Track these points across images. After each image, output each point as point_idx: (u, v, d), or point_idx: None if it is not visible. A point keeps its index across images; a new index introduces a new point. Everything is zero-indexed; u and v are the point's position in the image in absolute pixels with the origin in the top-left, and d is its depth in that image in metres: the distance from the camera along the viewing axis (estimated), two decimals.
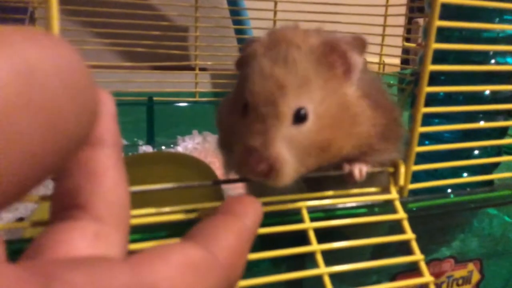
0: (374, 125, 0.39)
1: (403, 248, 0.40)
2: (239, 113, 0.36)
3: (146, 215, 0.33)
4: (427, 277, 0.37)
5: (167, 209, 0.34)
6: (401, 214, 0.39)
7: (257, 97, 0.34)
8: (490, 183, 0.56)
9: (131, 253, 0.32)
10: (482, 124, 0.57)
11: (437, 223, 0.51)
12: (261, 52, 0.37)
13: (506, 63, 0.60)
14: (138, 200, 0.36)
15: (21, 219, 0.65)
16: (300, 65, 0.35)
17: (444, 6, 0.38)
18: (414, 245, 0.38)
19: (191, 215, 0.35)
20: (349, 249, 0.38)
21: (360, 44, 0.39)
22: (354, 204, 0.40)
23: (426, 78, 0.39)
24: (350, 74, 0.38)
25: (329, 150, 0.37)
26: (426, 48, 0.38)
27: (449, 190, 0.50)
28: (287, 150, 0.34)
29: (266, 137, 0.34)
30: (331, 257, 0.38)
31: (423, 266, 0.38)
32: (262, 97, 0.34)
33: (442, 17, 0.42)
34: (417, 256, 0.38)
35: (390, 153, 0.41)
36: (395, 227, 0.41)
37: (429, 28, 0.38)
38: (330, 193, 0.39)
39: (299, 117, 0.35)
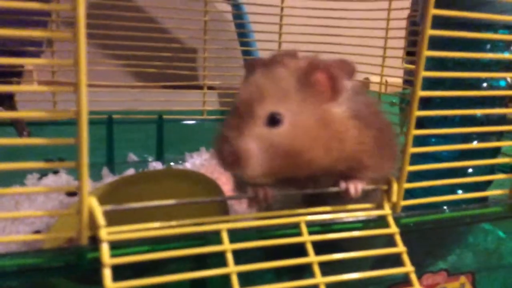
0: (360, 143, 0.42)
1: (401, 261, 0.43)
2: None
3: (157, 228, 0.36)
4: None
5: (173, 223, 0.37)
6: (393, 229, 0.42)
7: (240, 98, 0.41)
8: (484, 199, 0.59)
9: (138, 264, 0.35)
10: (475, 144, 0.60)
11: (434, 238, 0.53)
12: (258, 69, 0.43)
13: (498, 86, 0.63)
14: (148, 214, 0.39)
15: (37, 232, 0.68)
16: (283, 80, 0.41)
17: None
18: (405, 258, 0.41)
19: (197, 229, 0.38)
20: (350, 261, 0.41)
21: (348, 68, 0.43)
22: (350, 219, 0.43)
23: (416, 103, 0.42)
24: (336, 95, 0.42)
25: (300, 158, 0.40)
26: (416, 75, 0.41)
27: (444, 207, 0.52)
28: (257, 146, 0.39)
29: (239, 131, 0.39)
30: (331, 269, 0.41)
31: (413, 277, 0.41)
32: (244, 99, 0.41)
33: (435, 42, 0.45)
34: (408, 268, 0.41)
35: (383, 170, 0.44)
36: (391, 242, 0.44)
37: (418, 56, 0.41)
38: (327, 208, 0.42)
39: (273, 120, 0.40)
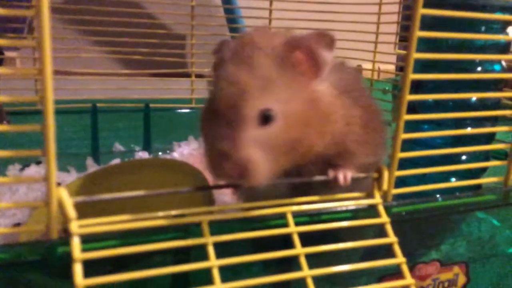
0: (348, 124, 0.40)
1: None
2: (211, 118, 0.37)
3: (132, 221, 0.34)
4: (409, 280, 0.38)
5: (150, 214, 0.35)
6: (384, 218, 0.41)
7: (222, 102, 0.36)
8: (478, 187, 0.57)
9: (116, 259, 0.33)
10: (469, 130, 0.58)
11: (426, 227, 0.52)
12: (228, 57, 0.38)
13: (493, 70, 0.61)
14: (131, 206, 0.37)
15: (18, 225, 0.66)
16: (262, 67, 0.36)
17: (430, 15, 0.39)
18: (397, 248, 0.40)
19: (177, 221, 0.36)
20: (339, 253, 0.40)
21: (328, 40, 0.39)
22: (339, 209, 0.41)
23: (408, 87, 0.40)
24: (319, 71, 0.38)
25: (300, 148, 0.38)
26: (408, 57, 0.39)
27: (438, 195, 0.51)
28: (257, 151, 0.35)
29: (234, 140, 0.35)
30: (320, 261, 0.39)
31: (404, 268, 0.39)
32: (226, 102, 0.35)
33: (429, 25, 0.43)
34: (399, 259, 0.39)
35: (372, 156, 0.42)
36: (383, 231, 0.42)
37: (410, 37, 0.39)
38: (315, 198, 0.40)
39: (265, 118, 0.36)
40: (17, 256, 0.33)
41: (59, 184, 0.71)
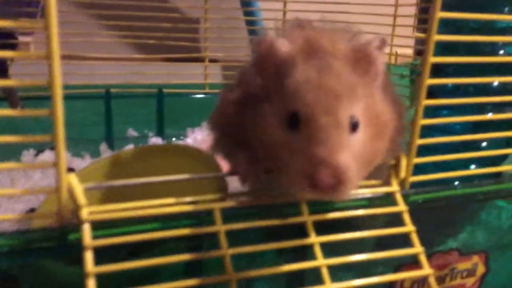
0: (394, 127, 0.39)
1: (409, 240, 0.40)
2: (279, 124, 0.35)
3: (143, 208, 0.33)
4: (427, 270, 0.37)
5: (161, 201, 0.34)
6: (401, 207, 0.39)
7: (314, 108, 0.33)
8: (498, 175, 0.56)
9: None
10: (489, 116, 0.56)
11: (444, 215, 0.51)
12: (301, 60, 0.35)
13: None
14: (144, 192, 0.37)
15: (32, 210, 0.66)
16: (344, 74, 0.34)
17: None
18: (414, 238, 0.39)
19: (194, 207, 0.35)
20: (351, 242, 0.39)
21: (381, 45, 0.37)
22: (354, 197, 0.40)
23: (427, 70, 0.38)
24: (377, 77, 0.37)
25: (375, 158, 0.36)
26: (428, 40, 0.38)
27: (456, 183, 0.50)
28: (352, 161, 0.33)
29: (333, 148, 0.32)
30: (333, 249, 0.38)
31: (422, 258, 0.38)
32: (320, 107, 0.33)
33: (450, 6, 0.41)
34: (417, 248, 0.38)
35: (395, 145, 0.41)
36: (396, 220, 0.41)
37: (431, 19, 0.37)
38: None
39: (353, 126, 0.34)
40: (29, 242, 0.33)
41: (72, 170, 0.72)
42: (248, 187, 0.42)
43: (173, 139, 0.90)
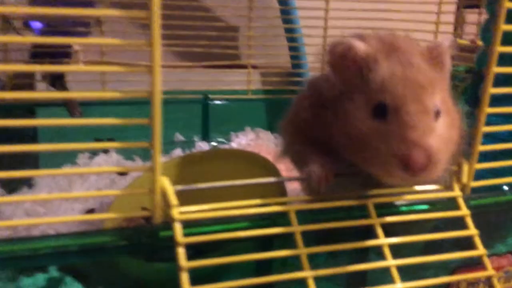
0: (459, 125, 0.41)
1: (459, 244, 0.42)
2: (366, 115, 0.38)
3: (226, 209, 0.36)
4: (490, 271, 0.39)
5: (242, 203, 0.37)
6: (464, 211, 0.41)
7: (402, 97, 0.37)
8: None
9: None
10: None
11: (493, 219, 0.52)
12: (383, 57, 0.39)
13: None
14: (208, 195, 0.39)
15: (91, 211, 0.69)
16: (423, 69, 0.38)
17: None
18: (477, 241, 0.40)
19: (264, 210, 0.37)
20: (403, 245, 0.40)
21: (453, 46, 0.42)
22: (417, 201, 0.42)
23: (490, 79, 0.40)
24: (447, 75, 0.41)
25: (452, 147, 0.39)
26: (492, 51, 0.39)
27: (505, 187, 0.51)
28: (440, 143, 0.37)
29: (423, 131, 0.35)
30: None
31: (486, 260, 0.39)
32: (409, 97, 0.36)
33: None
34: (480, 250, 0.40)
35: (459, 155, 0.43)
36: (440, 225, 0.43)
37: (495, 31, 0.39)
38: (393, 190, 0.41)
39: (436, 113, 0.38)
40: (115, 240, 0.36)
41: (124, 173, 0.75)
42: (313, 191, 0.44)
43: (218, 143, 0.93)
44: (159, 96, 0.31)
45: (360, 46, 0.39)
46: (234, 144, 0.91)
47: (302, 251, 0.36)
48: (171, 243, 0.33)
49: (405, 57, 0.38)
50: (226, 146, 0.91)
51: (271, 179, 0.41)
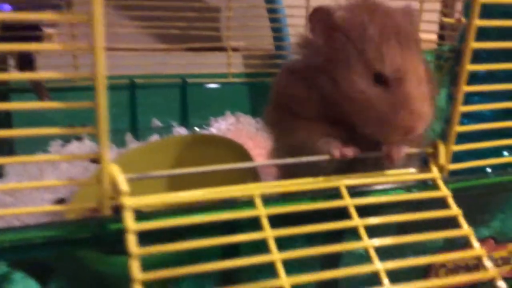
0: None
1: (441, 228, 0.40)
2: (365, 83, 0.40)
3: (183, 197, 0.33)
4: (479, 250, 0.37)
5: (200, 191, 0.34)
6: (445, 192, 0.39)
7: (400, 67, 0.39)
8: None
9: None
10: None
11: (475, 202, 0.50)
12: (368, 21, 0.40)
13: None
14: (175, 181, 0.37)
15: (62, 200, 0.67)
16: (411, 33, 0.41)
17: None
18: (462, 220, 0.38)
19: (228, 194, 0.35)
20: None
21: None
22: (392, 185, 0.40)
23: (468, 56, 0.38)
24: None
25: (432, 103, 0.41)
26: (469, 25, 0.37)
27: (488, 170, 0.49)
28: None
29: (424, 103, 0.39)
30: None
31: (473, 240, 0.37)
32: (405, 67, 0.39)
33: None
34: (466, 230, 0.38)
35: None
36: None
37: (473, 3, 0.36)
38: (368, 174, 0.39)
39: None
40: (70, 233, 0.33)
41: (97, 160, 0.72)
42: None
43: (197, 129, 0.90)
44: (103, 78, 0.29)
45: (337, 11, 0.40)
46: (213, 129, 0.88)
47: (268, 233, 0.33)
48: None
49: (389, 22, 0.39)
50: (205, 132, 0.88)
51: (250, 164, 0.39)
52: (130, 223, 0.31)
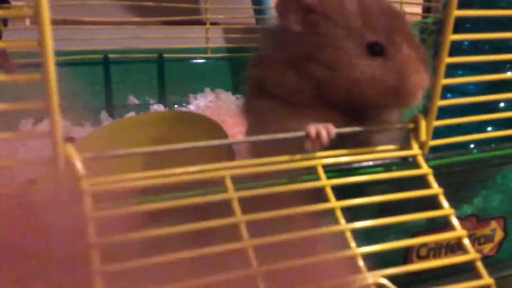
0: None
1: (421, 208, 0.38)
2: (360, 55, 0.38)
3: (147, 178, 0.31)
4: (460, 231, 0.35)
5: (167, 171, 0.32)
6: (425, 169, 0.37)
7: (398, 36, 0.38)
8: None
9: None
10: (509, 74, 0.54)
11: (457, 179, 0.49)
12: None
13: None
14: (152, 161, 0.35)
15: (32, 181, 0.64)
16: (389, 4, 0.40)
17: None
18: (442, 200, 0.36)
19: (196, 176, 0.33)
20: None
21: None
22: (371, 163, 0.38)
23: (450, 25, 0.35)
24: None
25: None
26: None
27: (471, 146, 0.47)
28: None
29: (424, 72, 0.38)
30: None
31: (454, 220, 0.36)
32: (402, 36, 0.38)
33: None
34: (447, 210, 0.36)
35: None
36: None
37: None
38: (345, 151, 0.37)
39: None
40: None
41: (73, 138, 0.70)
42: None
43: (175, 106, 0.87)
44: (51, 46, 0.26)
45: None
46: (192, 107, 0.85)
47: (239, 219, 0.31)
48: None
49: None
50: (183, 109, 0.85)
51: (224, 141, 0.36)
52: (89, 211, 0.28)
